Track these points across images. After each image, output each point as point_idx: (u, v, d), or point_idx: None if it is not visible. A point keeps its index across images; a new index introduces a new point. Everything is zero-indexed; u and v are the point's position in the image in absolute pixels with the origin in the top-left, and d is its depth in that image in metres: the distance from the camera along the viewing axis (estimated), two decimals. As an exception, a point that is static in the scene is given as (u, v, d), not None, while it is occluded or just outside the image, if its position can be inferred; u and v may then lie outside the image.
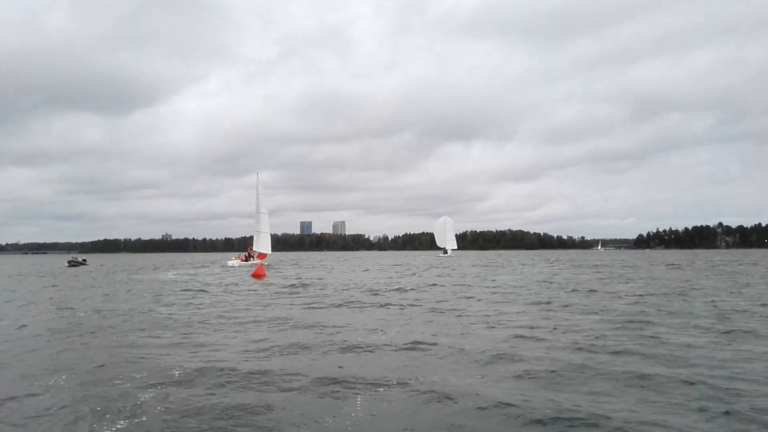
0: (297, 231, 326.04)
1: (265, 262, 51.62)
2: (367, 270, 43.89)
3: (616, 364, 7.60)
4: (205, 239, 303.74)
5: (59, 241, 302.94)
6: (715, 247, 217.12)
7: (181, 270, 46.04)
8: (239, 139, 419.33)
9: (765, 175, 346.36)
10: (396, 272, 38.51)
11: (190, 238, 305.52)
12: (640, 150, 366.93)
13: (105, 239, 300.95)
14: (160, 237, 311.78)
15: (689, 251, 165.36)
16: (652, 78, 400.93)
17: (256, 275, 32.44)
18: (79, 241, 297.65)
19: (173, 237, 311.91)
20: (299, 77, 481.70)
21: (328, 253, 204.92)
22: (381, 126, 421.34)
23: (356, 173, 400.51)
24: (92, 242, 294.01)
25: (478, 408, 5.74)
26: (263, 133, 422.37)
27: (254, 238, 53.71)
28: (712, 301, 16.18)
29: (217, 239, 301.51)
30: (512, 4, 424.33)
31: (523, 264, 55.18)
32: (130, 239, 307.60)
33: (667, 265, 49.16)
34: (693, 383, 6.55)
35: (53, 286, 27.10)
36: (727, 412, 5.47)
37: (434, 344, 9.31)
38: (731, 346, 8.95)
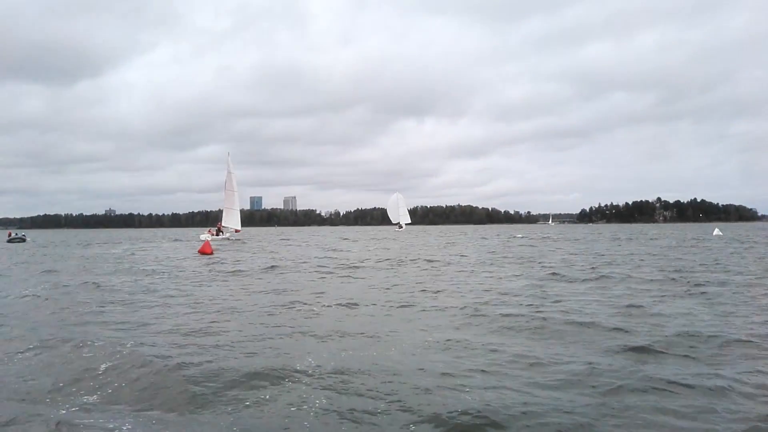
0: (247, 206, 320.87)
1: (239, 237, 53.55)
2: (345, 243, 44.71)
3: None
4: (150, 215, 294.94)
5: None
6: (653, 221, 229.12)
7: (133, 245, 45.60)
8: (189, 112, 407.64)
9: (702, 152, 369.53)
10: (384, 247, 38.99)
11: (135, 213, 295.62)
12: (585, 128, 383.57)
13: (45, 214, 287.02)
14: (104, 212, 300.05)
15: (628, 225, 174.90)
16: (599, 58, 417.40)
17: (203, 251, 30.97)
18: (18, 216, 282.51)
19: (117, 212, 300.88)
20: (253, 50, 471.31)
21: (279, 228, 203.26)
22: (335, 101, 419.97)
23: (309, 148, 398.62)
24: (31, 218, 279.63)
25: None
26: (214, 105, 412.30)
27: (223, 214, 54.18)
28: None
29: (163, 214, 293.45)
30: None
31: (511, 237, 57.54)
32: (71, 215, 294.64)
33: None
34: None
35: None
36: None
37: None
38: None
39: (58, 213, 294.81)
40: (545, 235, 63.44)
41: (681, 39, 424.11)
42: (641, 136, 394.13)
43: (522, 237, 57.48)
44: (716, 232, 60.23)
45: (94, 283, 15.81)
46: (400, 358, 6.58)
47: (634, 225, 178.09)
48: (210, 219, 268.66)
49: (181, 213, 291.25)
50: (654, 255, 25.59)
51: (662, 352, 6.71)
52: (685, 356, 6.59)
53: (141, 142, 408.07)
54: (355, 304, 11.02)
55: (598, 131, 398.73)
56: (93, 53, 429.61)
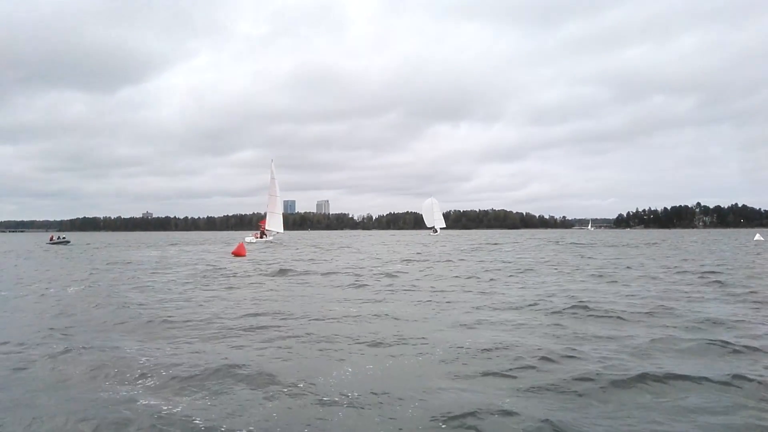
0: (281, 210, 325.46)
1: (281, 239, 55.91)
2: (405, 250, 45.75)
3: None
4: (186, 218, 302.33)
5: (37, 219, 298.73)
6: (693, 227, 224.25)
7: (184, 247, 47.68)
8: (226, 116, 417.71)
9: (743, 157, 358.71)
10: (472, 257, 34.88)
11: (171, 216, 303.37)
12: (622, 131, 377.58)
13: (84, 217, 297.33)
14: (141, 215, 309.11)
15: (666, 230, 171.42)
16: (637, 61, 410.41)
17: (237, 254, 31.50)
18: (57, 219, 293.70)
19: (154, 215, 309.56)
20: (289, 55, 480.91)
21: (311, 232, 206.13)
22: (369, 105, 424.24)
23: (342, 152, 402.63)
24: (70, 220, 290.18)
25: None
26: (251, 110, 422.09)
27: (267, 217, 56.33)
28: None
29: (198, 218, 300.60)
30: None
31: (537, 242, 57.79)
32: (109, 217, 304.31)
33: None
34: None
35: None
36: None
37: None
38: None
39: (97, 216, 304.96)
40: (624, 243, 58.37)
41: (722, 41, 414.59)
42: (680, 140, 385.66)
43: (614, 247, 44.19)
44: (757, 237, 59.34)
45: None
46: None
47: (673, 231, 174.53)
48: (244, 222, 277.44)
49: (216, 216, 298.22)
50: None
51: None
52: None
53: (179, 147, 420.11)
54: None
55: (636, 135, 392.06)
56: (135, 60, 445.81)
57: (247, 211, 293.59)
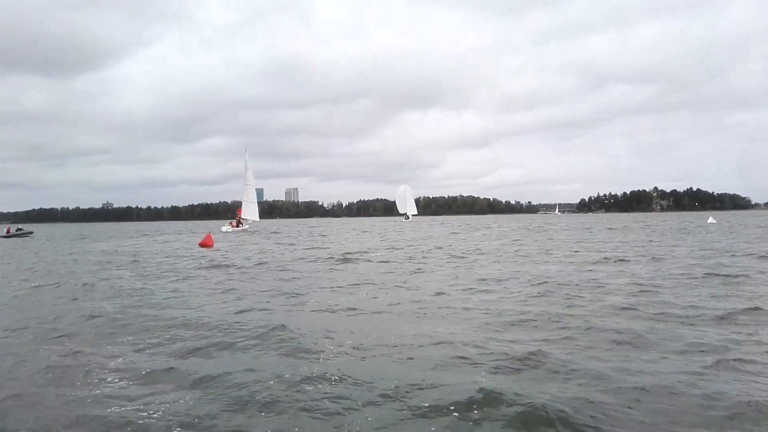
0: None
1: (256, 228, 56.13)
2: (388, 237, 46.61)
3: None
4: (149, 207, 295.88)
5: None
6: (651, 210, 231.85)
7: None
8: (193, 104, 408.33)
9: (698, 143, 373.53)
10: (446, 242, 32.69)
11: (134, 206, 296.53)
12: (586, 119, 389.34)
13: (41, 208, 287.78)
14: (101, 206, 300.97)
15: (626, 214, 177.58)
16: (600, 51, 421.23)
17: (204, 244, 30.60)
18: (12, 210, 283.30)
19: (115, 205, 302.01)
20: (260, 42, 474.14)
21: (281, 220, 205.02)
22: (341, 93, 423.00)
23: (313, 140, 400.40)
24: (26, 212, 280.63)
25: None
26: (219, 97, 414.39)
27: (243, 207, 56.85)
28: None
29: (162, 207, 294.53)
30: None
31: (505, 228, 59.67)
32: (67, 208, 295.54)
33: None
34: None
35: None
36: None
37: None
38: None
39: (54, 207, 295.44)
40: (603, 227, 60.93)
41: (680, 33, 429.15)
42: (640, 127, 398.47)
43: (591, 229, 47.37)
44: (710, 220, 62.94)
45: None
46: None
47: (632, 214, 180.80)
48: (210, 211, 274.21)
49: (180, 206, 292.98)
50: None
51: None
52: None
53: (143, 135, 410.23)
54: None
55: (599, 122, 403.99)
56: (97, 46, 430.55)
57: (213, 200, 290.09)
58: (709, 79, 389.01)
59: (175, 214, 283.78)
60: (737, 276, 12.79)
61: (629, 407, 4.67)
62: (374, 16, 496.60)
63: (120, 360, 6.61)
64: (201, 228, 67.24)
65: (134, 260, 21.97)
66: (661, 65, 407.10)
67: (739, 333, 7.18)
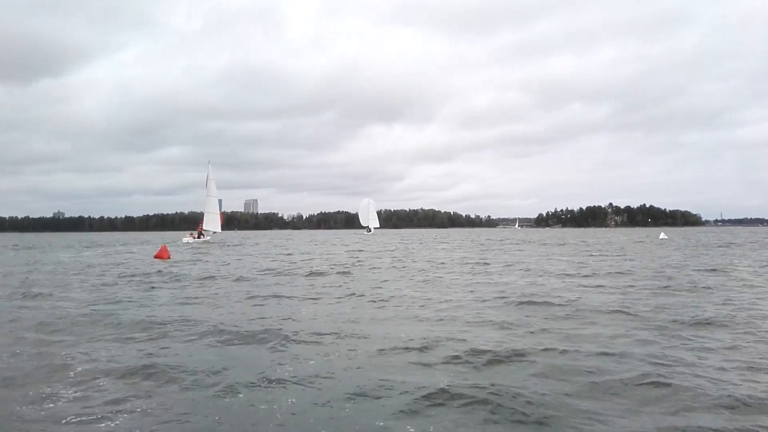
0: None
1: (218, 239, 55.47)
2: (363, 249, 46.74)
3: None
4: (102, 217, 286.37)
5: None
6: (605, 226, 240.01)
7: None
8: (153, 112, 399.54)
9: (652, 161, 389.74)
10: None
11: (86, 216, 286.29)
12: (545, 136, 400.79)
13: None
14: (52, 215, 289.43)
15: (582, 229, 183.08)
16: (560, 70, 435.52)
17: (159, 256, 30.15)
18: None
19: (66, 215, 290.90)
20: (224, 51, 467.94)
21: (239, 232, 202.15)
22: (304, 104, 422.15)
23: (275, 151, 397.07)
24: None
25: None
26: (180, 106, 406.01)
27: (204, 218, 56.13)
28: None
29: (116, 217, 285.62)
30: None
31: (454, 240, 60.78)
32: (16, 217, 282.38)
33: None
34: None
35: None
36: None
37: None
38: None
39: (2, 216, 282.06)
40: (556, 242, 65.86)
41: (635, 54, 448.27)
42: (596, 145, 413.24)
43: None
44: (662, 235, 65.65)
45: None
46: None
47: (587, 229, 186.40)
48: (166, 222, 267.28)
49: (135, 216, 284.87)
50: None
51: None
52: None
53: (99, 143, 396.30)
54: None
55: (558, 139, 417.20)
56: (57, 51, 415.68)
57: (169, 210, 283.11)
58: (664, 99, 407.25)
59: (129, 224, 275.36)
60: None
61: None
62: (341, 29, 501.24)
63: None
64: (157, 239, 65.76)
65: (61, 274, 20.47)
66: (619, 85, 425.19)
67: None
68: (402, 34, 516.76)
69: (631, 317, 9.78)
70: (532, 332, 8.60)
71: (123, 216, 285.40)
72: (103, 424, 4.88)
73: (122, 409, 5.25)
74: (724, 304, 11.22)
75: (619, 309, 10.59)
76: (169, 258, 29.46)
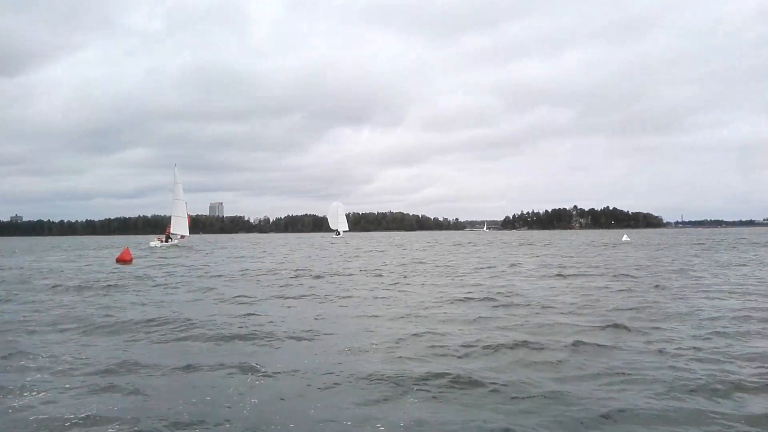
0: (169, 212, 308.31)
1: (185, 243, 54.91)
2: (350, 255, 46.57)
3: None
4: (62, 221, 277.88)
5: None
6: (570, 228, 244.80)
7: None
8: (115, 113, 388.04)
9: (617, 163, 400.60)
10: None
11: (45, 220, 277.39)
12: (512, 139, 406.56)
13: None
14: (9, 219, 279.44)
15: (548, 231, 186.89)
16: (527, 74, 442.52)
17: (121, 259, 29.75)
18: None
19: (25, 219, 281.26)
20: (187, 52, 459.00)
21: (204, 235, 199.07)
22: (271, 106, 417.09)
23: (241, 153, 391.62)
24: None
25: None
26: (143, 107, 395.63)
27: (172, 221, 55.53)
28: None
29: (76, 221, 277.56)
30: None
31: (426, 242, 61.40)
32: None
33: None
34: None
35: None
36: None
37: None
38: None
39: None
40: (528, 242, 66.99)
41: (600, 59, 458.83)
42: (562, 148, 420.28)
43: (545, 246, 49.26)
44: (625, 237, 67.62)
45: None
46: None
47: (553, 231, 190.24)
48: (128, 226, 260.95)
49: (96, 220, 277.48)
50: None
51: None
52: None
53: (59, 145, 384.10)
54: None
55: (525, 142, 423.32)
56: (12, 51, 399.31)
57: (132, 214, 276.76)
58: (628, 103, 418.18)
59: (90, 228, 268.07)
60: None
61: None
62: (308, 30, 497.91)
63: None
64: (122, 243, 64.19)
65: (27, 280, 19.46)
66: (585, 89, 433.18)
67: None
68: (371, 36, 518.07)
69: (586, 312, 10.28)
70: (499, 327, 9.04)
71: (84, 220, 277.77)
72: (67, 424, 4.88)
73: (88, 409, 5.23)
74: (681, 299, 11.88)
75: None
76: (131, 261, 29.02)
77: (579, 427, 4.69)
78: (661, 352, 7.14)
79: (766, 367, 6.29)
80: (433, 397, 5.45)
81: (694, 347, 7.33)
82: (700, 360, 6.70)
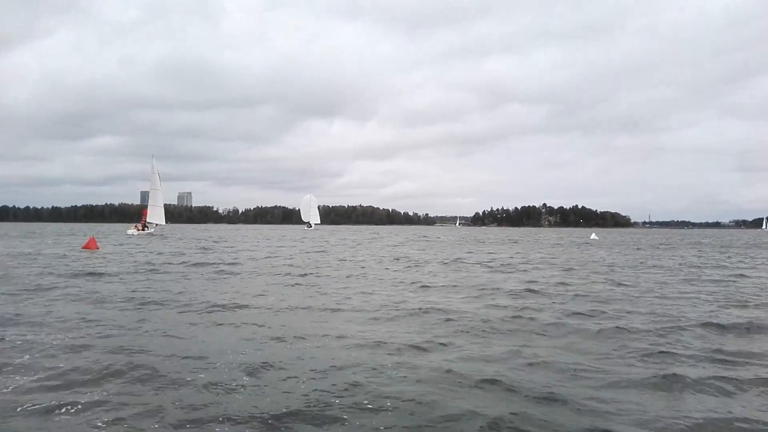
0: (137, 201, 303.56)
1: (161, 231, 55.43)
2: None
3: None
4: (27, 208, 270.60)
5: None
6: (539, 225, 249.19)
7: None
8: (85, 101, 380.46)
9: (587, 163, 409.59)
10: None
11: (10, 206, 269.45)
12: (485, 136, 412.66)
13: None
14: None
15: (515, 228, 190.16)
16: (500, 72, 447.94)
17: (88, 247, 30.06)
18: None
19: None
20: (161, 42, 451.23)
21: (174, 225, 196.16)
22: (243, 98, 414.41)
23: (212, 144, 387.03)
24: None
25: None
26: (113, 95, 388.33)
27: (149, 210, 55.60)
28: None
29: (42, 208, 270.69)
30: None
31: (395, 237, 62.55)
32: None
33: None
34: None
35: None
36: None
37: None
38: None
39: None
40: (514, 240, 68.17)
41: (572, 59, 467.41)
42: (533, 146, 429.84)
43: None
44: (593, 236, 70.11)
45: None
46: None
47: (522, 229, 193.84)
48: (95, 214, 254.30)
49: (62, 207, 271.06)
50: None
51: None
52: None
53: (25, 131, 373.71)
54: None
55: (496, 140, 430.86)
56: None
57: (98, 201, 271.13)
58: (597, 104, 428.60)
59: (56, 215, 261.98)
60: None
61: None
62: (281, 23, 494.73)
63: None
64: (89, 230, 63.10)
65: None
66: (554, 88, 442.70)
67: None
68: (344, 29, 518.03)
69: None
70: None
71: (50, 206, 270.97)
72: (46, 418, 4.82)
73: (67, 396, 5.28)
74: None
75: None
76: (97, 249, 29.33)
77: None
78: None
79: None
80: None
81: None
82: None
